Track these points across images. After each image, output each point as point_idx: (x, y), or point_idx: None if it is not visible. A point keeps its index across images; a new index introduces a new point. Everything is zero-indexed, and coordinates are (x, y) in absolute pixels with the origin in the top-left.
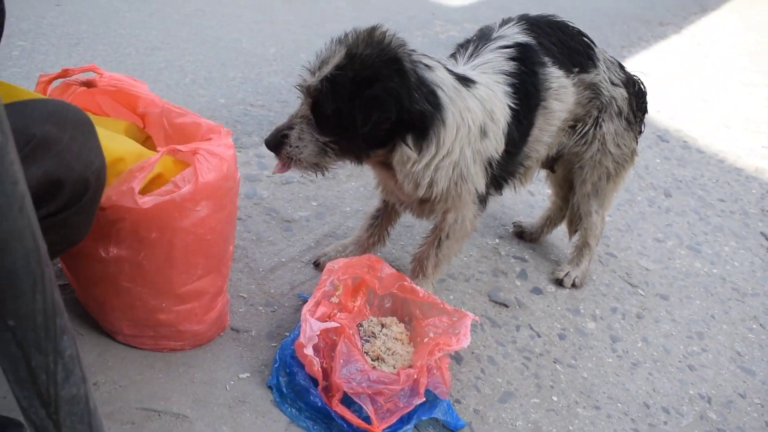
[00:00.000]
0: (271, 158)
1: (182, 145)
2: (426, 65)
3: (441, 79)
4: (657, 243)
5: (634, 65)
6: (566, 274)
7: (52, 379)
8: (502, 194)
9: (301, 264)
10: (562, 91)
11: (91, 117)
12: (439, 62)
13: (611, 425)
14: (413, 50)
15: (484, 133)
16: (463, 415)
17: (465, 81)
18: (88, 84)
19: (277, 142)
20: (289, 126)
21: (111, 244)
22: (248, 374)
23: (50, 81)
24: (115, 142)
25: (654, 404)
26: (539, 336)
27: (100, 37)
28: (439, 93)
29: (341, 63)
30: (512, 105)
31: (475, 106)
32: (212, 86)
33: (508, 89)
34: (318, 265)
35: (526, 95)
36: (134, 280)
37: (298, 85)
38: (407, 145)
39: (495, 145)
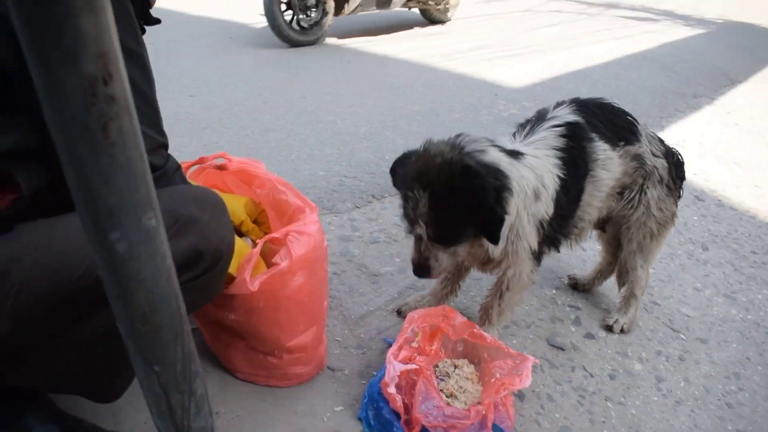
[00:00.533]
0: (361, 221)
1: (277, 233)
2: (479, 150)
3: (496, 156)
4: (696, 292)
5: (672, 133)
6: (615, 321)
7: (186, 414)
8: (559, 251)
9: (387, 312)
10: (608, 161)
11: (219, 193)
12: (487, 143)
13: None
14: (463, 143)
15: (537, 196)
16: None
17: (515, 154)
18: (221, 168)
19: (425, 273)
20: (425, 258)
21: (228, 312)
22: (342, 408)
23: (189, 167)
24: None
25: None
26: (592, 376)
27: (225, 122)
28: (502, 167)
29: (433, 195)
30: (561, 175)
31: (528, 174)
32: (313, 161)
33: (557, 161)
34: (400, 313)
35: (575, 166)
36: (250, 336)
37: (412, 233)
38: None
39: (545, 208)
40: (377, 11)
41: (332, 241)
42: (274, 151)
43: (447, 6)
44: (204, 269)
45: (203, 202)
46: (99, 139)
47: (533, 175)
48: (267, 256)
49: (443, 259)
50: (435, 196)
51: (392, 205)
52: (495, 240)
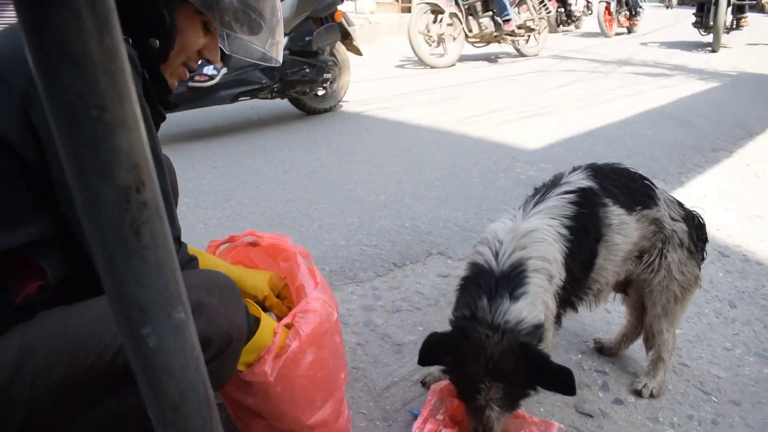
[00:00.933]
0: (383, 290)
1: (285, 319)
2: (516, 320)
3: (524, 309)
4: (726, 351)
5: (692, 189)
6: (644, 386)
7: None
8: (577, 312)
9: (411, 383)
10: (623, 226)
11: (244, 270)
12: (507, 299)
13: None
14: (499, 318)
15: (550, 277)
16: None
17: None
18: (254, 244)
19: None
20: (490, 428)
21: (248, 396)
22: None
23: (219, 246)
24: None
25: None
26: None
27: (247, 193)
28: (534, 317)
29: (507, 384)
30: (565, 244)
31: (541, 281)
32: (334, 230)
33: (564, 231)
34: (425, 384)
35: (584, 232)
36: (269, 416)
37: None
38: None
39: (559, 278)
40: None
41: (355, 311)
42: (295, 222)
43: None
44: (213, 355)
45: (212, 287)
46: (132, 243)
47: (545, 264)
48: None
49: (501, 423)
50: (508, 385)
51: (413, 273)
52: (573, 391)
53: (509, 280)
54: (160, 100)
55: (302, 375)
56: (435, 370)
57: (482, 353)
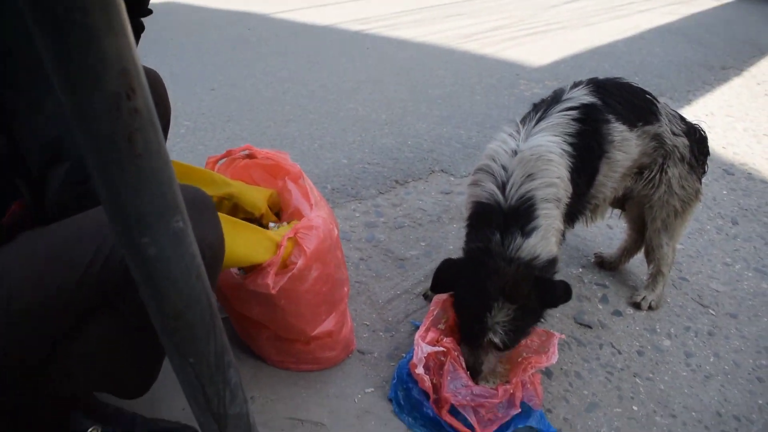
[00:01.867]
0: (386, 207)
1: (288, 232)
2: (530, 254)
3: (539, 242)
4: (725, 267)
5: (699, 107)
6: (643, 298)
7: (222, 402)
8: (573, 227)
9: (413, 295)
10: (625, 143)
11: (244, 185)
12: (520, 234)
13: (686, 431)
14: (513, 251)
15: (558, 200)
16: (554, 423)
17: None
18: (251, 156)
19: (475, 377)
20: (480, 362)
21: (253, 307)
22: (372, 389)
23: (217, 161)
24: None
25: (726, 413)
26: (620, 353)
27: (246, 114)
28: (548, 251)
29: (519, 307)
30: (570, 160)
31: (551, 211)
32: (336, 149)
33: (567, 148)
34: (427, 297)
35: (588, 149)
36: (275, 327)
37: (478, 341)
38: None
39: (566, 196)
40: None
41: (357, 228)
42: (296, 141)
43: None
44: None
45: (192, 203)
46: (126, 151)
47: (553, 190)
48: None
49: (492, 362)
50: (521, 308)
51: (416, 190)
52: (570, 296)
53: (518, 215)
54: (137, 10)
55: (308, 290)
56: None
57: (500, 276)
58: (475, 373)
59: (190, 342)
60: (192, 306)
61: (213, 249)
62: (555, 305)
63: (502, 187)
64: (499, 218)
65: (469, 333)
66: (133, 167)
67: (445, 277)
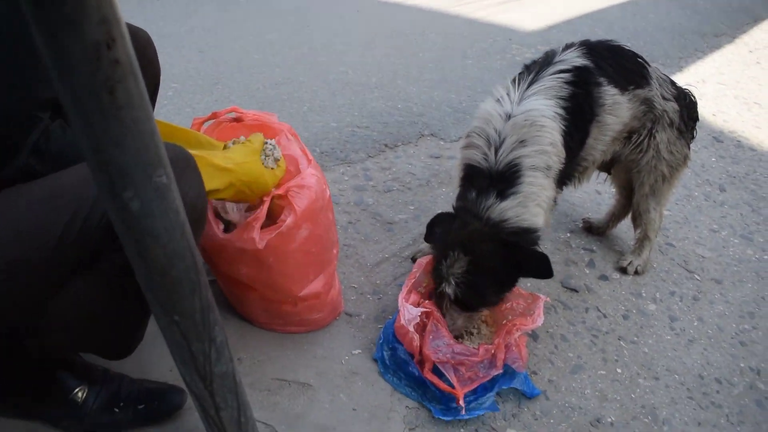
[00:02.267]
0: (375, 171)
1: (279, 189)
2: (508, 217)
3: (521, 208)
4: (712, 233)
5: (691, 74)
6: (629, 263)
7: (208, 360)
8: (562, 191)
9: (401, 259)
10: (616, 106)
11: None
12: (497, 199)
13: (669, 393)
14: (492, 215)
15: (548, 168)
16: (539, 384)
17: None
18: (238, 120)
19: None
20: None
21: (240, 266)
22: (359, 350)
23: (202, 122)
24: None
25: (708, 376)
26: (605, 317)
27: (235, 77)
28: (529, 218)
29: (473, 261)
30: (563, 125)
31: (539, 179)
32: (325, 113)
33: (560, 111)
34: (414, 260)
35: (580, 112)
36: (262, 288)
37: (438, 290)
38: None
39: (559, 162)
40: None
41: (346, 191)
42: (285, 104)
43: None
44: None
45: (175, 159)
46: (107, 103)
47: (543, 158)
48: (274, 214)
49: (458, 321)
50: (473, 263)
51: (405, 154)
52: (551, 274)
53: (503, 179)
54: None
55: (296, 249)
56: (425, 246)
57: (462, 231)
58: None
59: (175, 299)
60: (176, 262)
61: (195, 207)
62: (528, 275)
63: (494, 151)
64: (484, 181)
65: (434, 289)
66: (114, 119)
67: (432, 228)
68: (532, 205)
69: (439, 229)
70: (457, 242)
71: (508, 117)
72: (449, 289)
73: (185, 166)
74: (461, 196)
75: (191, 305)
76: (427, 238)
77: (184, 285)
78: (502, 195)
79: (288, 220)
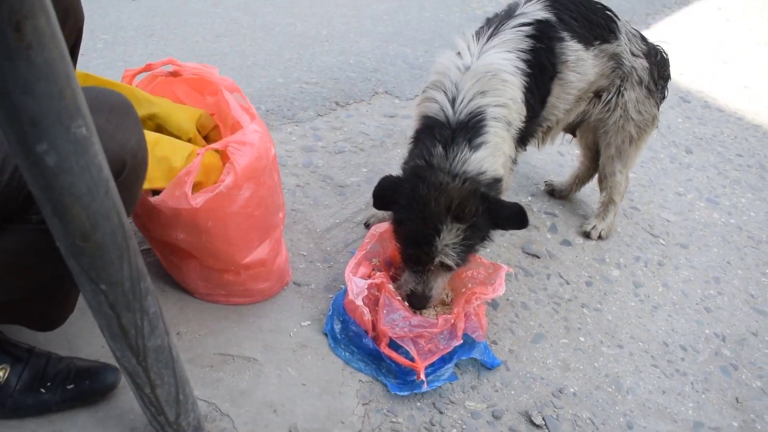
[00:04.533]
0: (325, 131)
1: (216, 143)
2: (476, 170)
3: (487, 160)
4: (678, 197)
5: (658, 32)
6: (593, 227)
7: (140, 333)
8: (525, 150)
9: (353, 224)
10: (579, 63)
11: (170, 104)
12: (466, 146)
13: (633, 362)
14: (459, 166)
15: (509, 124)
16: (499, 354)
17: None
18: (174, 74)
19: (425, 304)
20: (429, 288)
21: (176, 231)
22: (309, 322)
23: (135, 75)
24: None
25: (672, 343)
26: (568, 283)
27: (172, 28)
28: (496, 170)
29: (468, 226)
30: (524, 80)
31: (500, 130)
32: (271, 67)
33: (521, 65)
34: (368, 225)
35: (541, 69)
36: (202, 255)
37: (425, 266)
38: None
39: (519, 119)
40: None
41: (294, 152)
42: (227, 58)
43: None
44: None
45: (100, 105)
46: (12, 42)
47: (504, 111)
48: (211, 173)
49: (440, 286)
50: (470, 227)
51: (358, 113)
52: (526, 224)
53: (467, 129)
54: None
55: (237, 212)
56: (379, 211)
57: (444, 195)
58: (425, 300)
59: (100, 266)
60: (101, 225)
61: (135, 157)
62: (506, 227)
63: (452, 101)
64: (445, 132)
65: (415, 258)
66: (22, 61)
67: (384, 194)
68: (499, 156)
69: (388, 196)
70: (446, 211)
71: (467, 69)
72: (449, 260)
73: (125, 113)
74: (420, 154)
75: (119, 273)
76: (378, 205)
77: (110, 250)
78: (474, 146)
79: (227, 179)
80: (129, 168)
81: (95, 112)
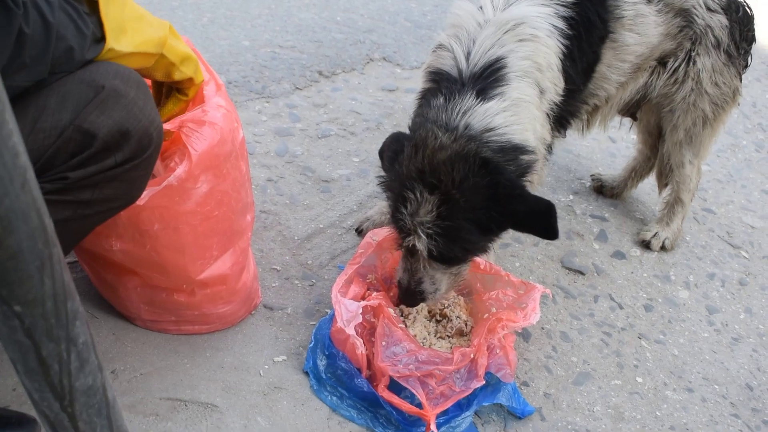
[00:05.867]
0: (305, 108)
1: (167, 124)
2: (486, 127)
3: (501, 116)
4: (765, 195)
5: None
6: (654, 235)
7: (66, 369)
8: (565, 136)
9: (342, 230)
10: (639, 21)
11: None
12: (475, 99)
13: (707, 410)
14: (462, 122)
15: (542, 92)
16: (532, 400)
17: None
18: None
19: (415, 300)
20: (418, 280)
21: (111, 238)
22: (284, 357)
23: None
24: None
25: (759, 386)
26: (621, 308)
27: None
28: (516, 135)
29: (443, 200)
30: (562, 42)
31: (525, 87)
32: (234, 26)
33: (560, 24)
34: (361, 232)
35: (588, 27)
36: (145, 269)
37: (404, 245)
38: None
39: (555, 90)
40: None
41: (264, 137)
42: (176, 13)
43: None
44: (131, 154)
45: (127, 77)
46: None
47: (533, 68)
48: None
49: (442, 283)
50: (446, 201)
51: (347, 86)
52: (555, 233)
53: (480, 80)
54: None
55: (192, 211)
56: (375, 213)
57: (421, 152)
58: (410, 295)
59: (14, 281)
60: (15, 227)
61: (159, 136)
62: (521, 228)
63: (467, 55)
64: (454, 84)
65: (397, 237)
66: None
67: (387, 154)
68: (525, 116)
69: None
70: (416, 173)
71: (487, 23)
72: (420, 244)
73: (148, 92)
74: (422, 111)
75: (39, 289)
76: (384, 168)
77: (27, 259)
78: (484, 95)
79: (179, 168)
80: (154, 144)
81: (125, 83)
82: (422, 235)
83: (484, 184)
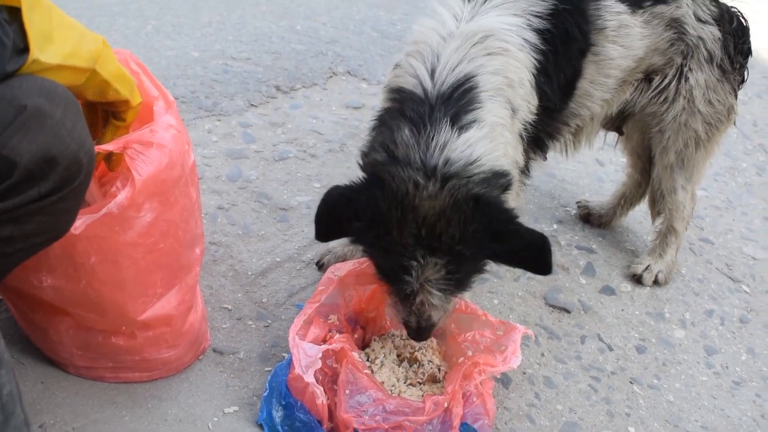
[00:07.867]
0: (260, 128)
1: (109, 144)
2: (462, 158)
3: (478, 143)
4: (767, 223)
5: None
6: (646, 268)
7: None
8: (545, 158)
9: (301, 264)
10: (623, 32)
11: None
12: (447, 126)
13: None
14: (436, 156)
15: (514, 111)
16: None
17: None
18: None
19: (427, 335)
20: (427, 317)
21: (42, 273)
22: (236, 408)
23: None
24: None
25: None
26: (611, 349)
27: None
28: (493, 162)
29: (451, 259)
30: (535, 57)
31: (497, 107)
32: (182, 35)
33: (531, 37)
34: (322, 266)
35: (566, 40)
36: (79, 309)
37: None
38: None
39: (527, 108)
40: None
41: (214, 159)
42: (118, 20)
43: None
44: (57, 184)
45: (53, 94)
46: None
47: (504, 84)
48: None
49: (448, 305)
50: (453, 260)
51: (308, 103)
52: (549, 268)
53: (450, 103)
54: None
55: (134, 242)
56: (338, 245)
57: (411, 214)
58: (423, 331)
59: None
60: None
61: (91, 161)
62: (515, 264)
63: (432, 73)
64: (420, 109)
65: (397, 291)
66: None
67: (333, 215)
68: (499, 140)
69: (338, 216)
70: (413, 239)
71: (452, 37)
72: (433, 299)
73: (78, 111)
74: (382, 142)
75: None
76: (320, 234)
77: None
78: (458, 121)
79: (121, 194)
80: (84, 172)
81: (50, 101)
82: (434, 291)
83: (482, 227)
